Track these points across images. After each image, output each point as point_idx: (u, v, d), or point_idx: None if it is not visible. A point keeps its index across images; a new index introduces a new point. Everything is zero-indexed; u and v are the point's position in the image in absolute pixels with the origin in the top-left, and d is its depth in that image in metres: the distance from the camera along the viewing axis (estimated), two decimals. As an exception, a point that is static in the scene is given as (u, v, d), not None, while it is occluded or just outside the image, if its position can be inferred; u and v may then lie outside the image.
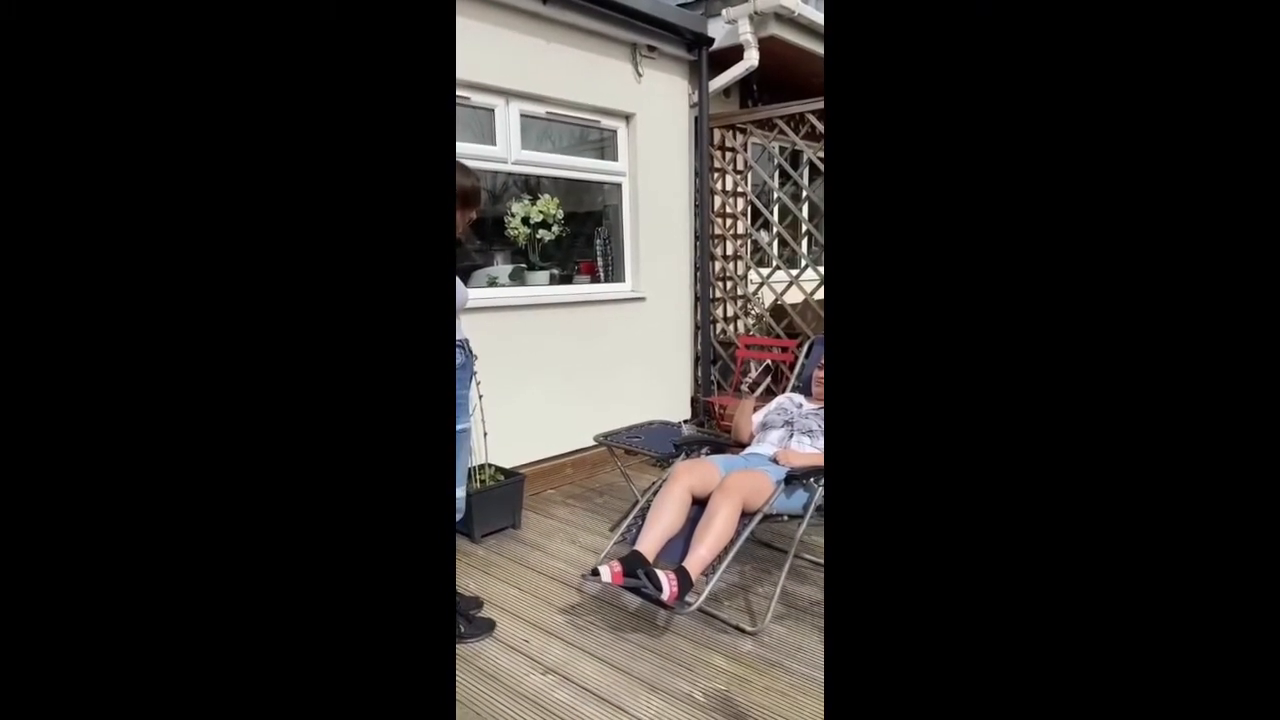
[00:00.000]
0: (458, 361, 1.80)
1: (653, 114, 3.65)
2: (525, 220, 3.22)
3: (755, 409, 2.62)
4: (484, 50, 2.88)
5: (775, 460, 2.30)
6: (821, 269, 3.76)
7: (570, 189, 3.55)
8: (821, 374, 2.60)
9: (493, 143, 3.08)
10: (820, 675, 1.79)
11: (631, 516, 2.27)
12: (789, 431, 2.44)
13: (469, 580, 2.35)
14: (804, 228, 3.92)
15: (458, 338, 1.82)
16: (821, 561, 2.46)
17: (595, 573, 1.91)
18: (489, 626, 2.03)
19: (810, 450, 2.34)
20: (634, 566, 1.90)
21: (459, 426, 1.84)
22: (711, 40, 3.68)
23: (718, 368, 4.04)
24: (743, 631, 2.01)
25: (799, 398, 2.62)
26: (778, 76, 4.12)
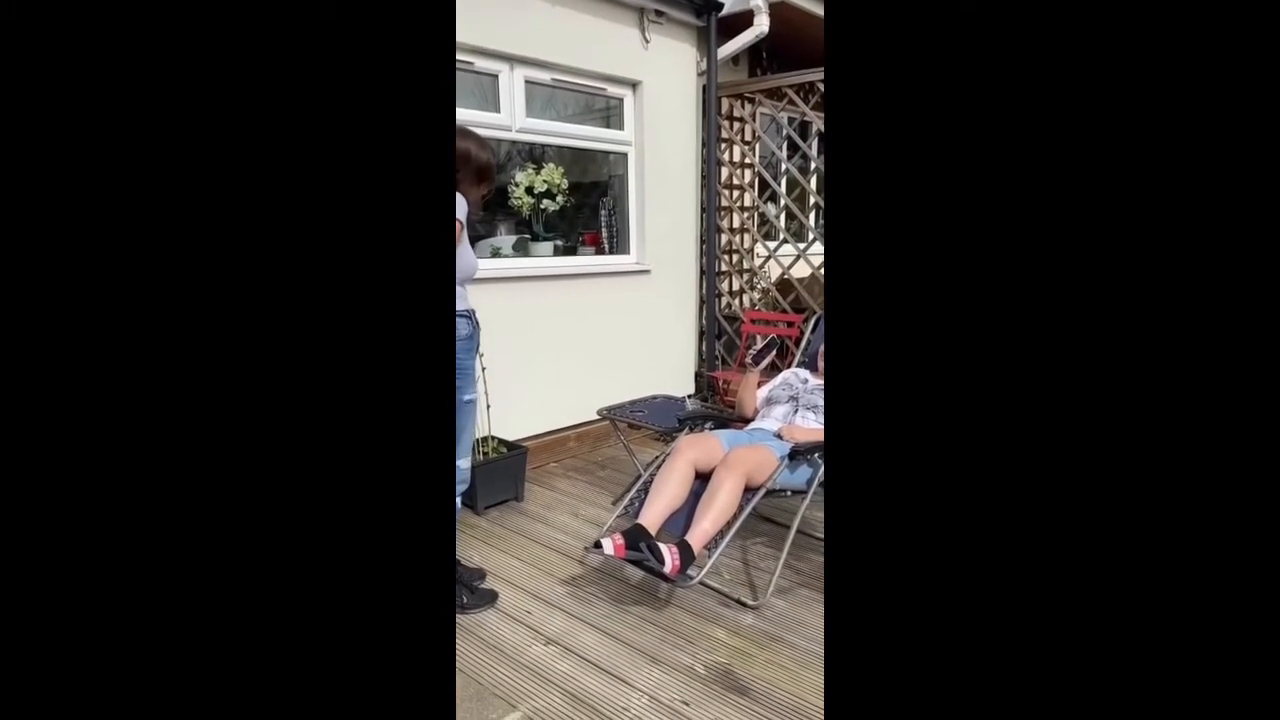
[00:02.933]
0: (464, 332, 1.78)
1: (660, 82, 3.57)
2: (529, 190, 3.17)
3: (760, 384, 2.60)
4: (488, 13, 2.80)
5: (780, 436, 2.29)
6: (829, 243, 3.71)
7: (575, 158, 3.49)
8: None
9: (496, 109, 3.02)
10: (820, 649, 1.80)
11: (634, 490, 2.27)
12: (794, 407, 2.42)
13: (472, 552, 2.36)
14: (812, 200, 3.86)
15: (465, 307, 1.80)
16: (823, 537, 2.45)
17: (598, 545, 1.91)
18: (491, 597, 2.04)
19: (815, 426, 2.32)
20: (636, 539, 1.90)
21: (466, 397, 1.83)
22: (721, 5, 3.58)
23: (723, 342, 4.01)
24: (744, 605, 2.02)
25: (804, 373, 2.60)
26: (788, 44, 4.03)
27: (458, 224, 1.67)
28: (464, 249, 1.78)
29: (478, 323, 1.86)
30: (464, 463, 1.90)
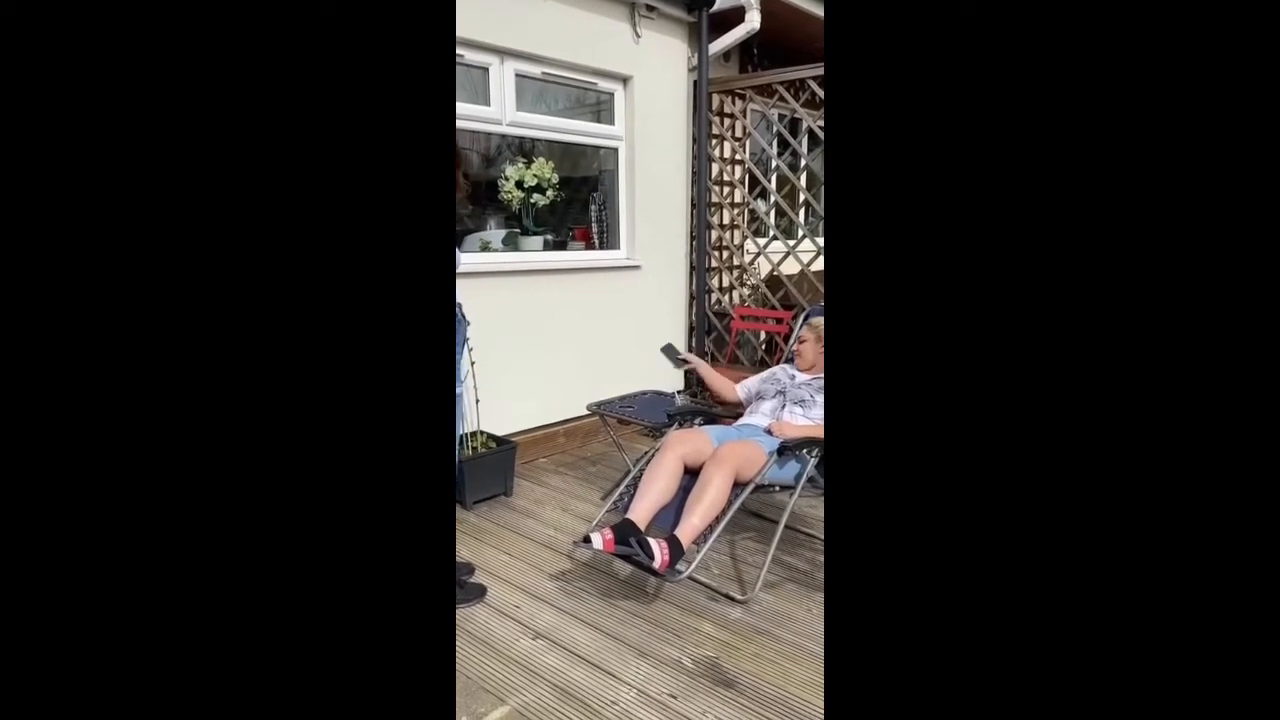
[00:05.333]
0: None
1: (651, 77, 3.56)
2: (519, 184, 3.16)
3: (746, 378, 2.64)
4: (478, 5, 2.79)
5: (769, 432, 2.30)
6: (819, 240, 3.73)
7: (565, 153, 3.48)
8: (798, 346, 2.59)
9: (487, 103, 3.01)
10: (807, 643, 1.81)
11: (623, 485, 2.27)
12: (781, 402, 2.43)
13: (461, 546, 2.36)
14: (801, 197, 3.87)
15: None
16: (811, 532, 2.48)
17: (587, 540, 1.91)
18: (480, 592, 2.04)
19: (803, 422, 2.33)
20: (626, 534, 1.91)
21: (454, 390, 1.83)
22: (712, 1, 3.57)
23: (712, 338, 4.02)
24: (732, 600, 2.03)
25: (792, 369, 2.62)
26: (779, 40, 4.03)
27: None
28: None
29: (465, 317, 1.86)
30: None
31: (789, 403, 2.41)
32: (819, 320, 2.64)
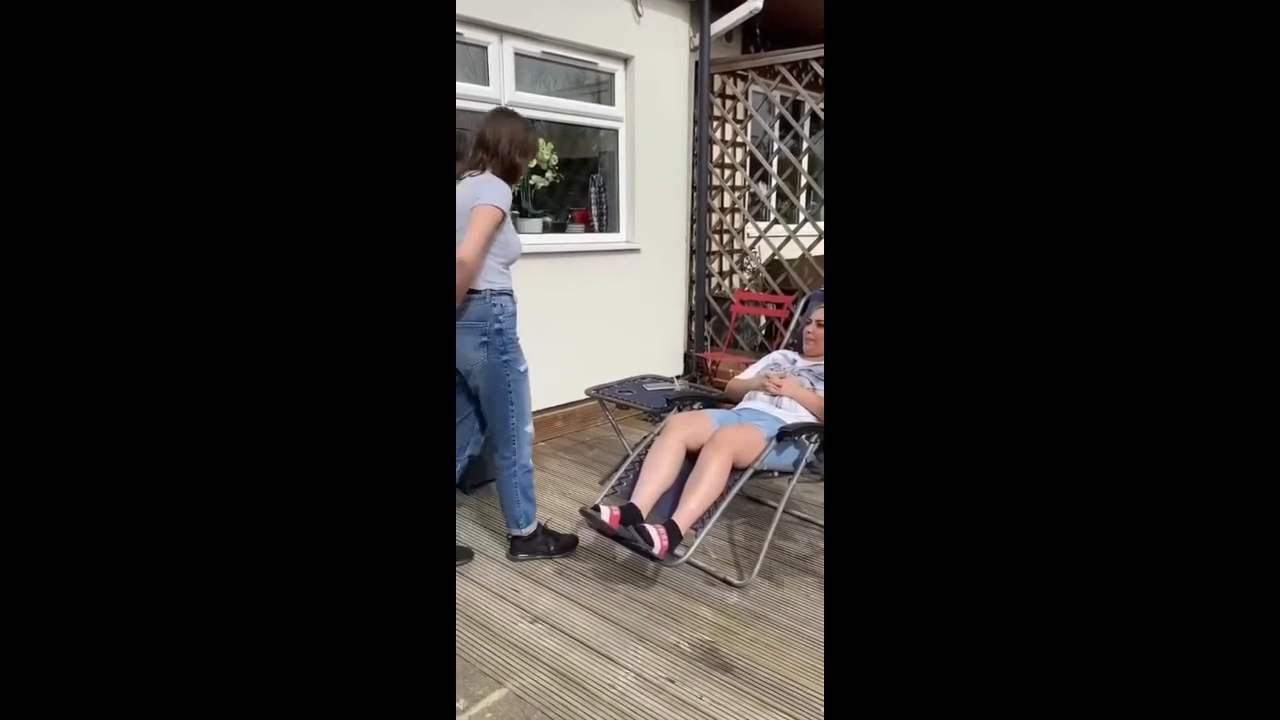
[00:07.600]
0: (511, 309, 1.97)
1: (652, 57, 3.52)
2: (518, 166, 3.12)
3: (748, 364, 2.61)
4: (476, -17, 2.74)
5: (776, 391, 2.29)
6: (820, 224, 3.70)
7: (565, 134, 3.44)
8: (811, 328, 2.57)
9: (485, 82, 2.97)
10: (805, 628, 1.82)
11: (622, 470, 2.27)
12: (782, 388, 2.42)
13: (461, 530, 2.36)
14: (803, 181, 3.84)
15: (506, 286, 1.96)
16: (810, 518, 2.48)
17: (596, 509, 1.91)
18: (467, 554, 2.13)
19: (801, 407, 2.33)
20: (629, 518, 1.91)
21: (521, 368, 2.02)
22: (715, -21, 3.52)
23: (712, 323, 4.00)
24: (730, 584, 2.04)
25: (793, 354, 2.61)
26: (782, 21, 3.97)
27: (503, 212, 1.86)
28: (511, 234, 1.95)
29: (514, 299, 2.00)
30: (528, 427, 2.07)
31: (789, 388, 2.40)
32: None
